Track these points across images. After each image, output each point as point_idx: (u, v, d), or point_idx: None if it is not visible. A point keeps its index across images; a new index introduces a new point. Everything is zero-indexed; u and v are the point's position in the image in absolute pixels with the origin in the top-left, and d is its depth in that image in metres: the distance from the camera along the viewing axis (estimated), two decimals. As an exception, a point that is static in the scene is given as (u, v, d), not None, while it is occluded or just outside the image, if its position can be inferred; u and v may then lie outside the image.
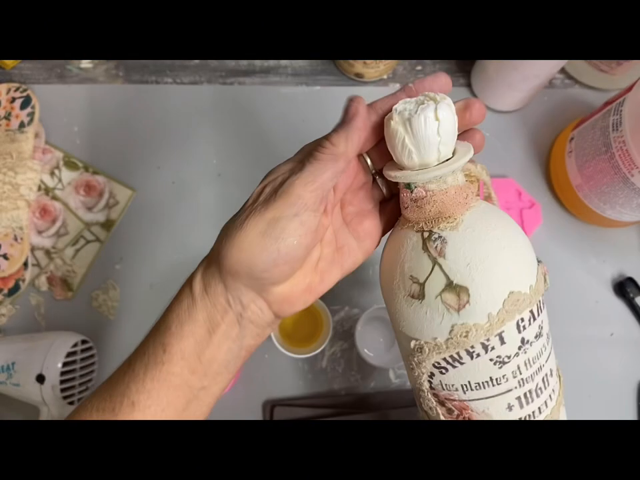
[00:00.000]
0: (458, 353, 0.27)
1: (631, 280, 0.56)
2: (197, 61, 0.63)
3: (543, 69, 0.53)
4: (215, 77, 0.62)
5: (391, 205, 0.32)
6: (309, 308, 0.52)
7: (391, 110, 0.27)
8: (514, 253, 0.28)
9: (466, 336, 0.27)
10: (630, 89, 0.47)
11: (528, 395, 0.29)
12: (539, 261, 0.30)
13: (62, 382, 0.47)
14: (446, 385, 0.29)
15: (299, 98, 0.62)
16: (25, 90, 0.59)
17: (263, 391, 0.54)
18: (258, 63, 0.63)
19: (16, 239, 0.55)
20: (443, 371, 0.28)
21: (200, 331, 0.28)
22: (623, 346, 0.55)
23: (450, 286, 0.26)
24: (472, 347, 0.27)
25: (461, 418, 0.30)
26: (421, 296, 0.27)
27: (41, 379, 0.47)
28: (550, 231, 0.58)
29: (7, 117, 0.58)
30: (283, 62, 0.63)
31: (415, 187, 0.28)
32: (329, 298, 0.54)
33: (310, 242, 0.27)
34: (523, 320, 0.27)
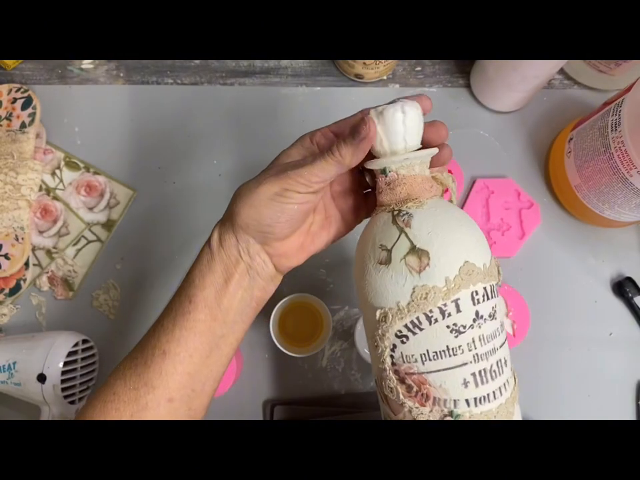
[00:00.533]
0: (418, 318, 0.30)
1: (629, 280, 0.56)
2: (197, 62, 0.63)
3: (542, 70, 0.53)
4: (215, 78, 0.63)
5: (373, 195, 0.38)
6: (309, 308, 0.53)
7: None
8: (470, 233, 0.32)
9: (425, 297, 0.30)
10: (629, 89, 0.47)
11: (483, 373, 0.31)
12: (492, 256, 0.33)
13: (63, 381, 0.48)
14: (406, 356, 0.31)
15: (299, 99, 0.62)
16: (26, 90, 0.59)
17: (263, 390, 0.54)
18: (258, 63, 0.63)
19: (17, 239, 0.56)
20: (404, 339, 0.31)
21: (219, 281, 0.34)
22: (622, 346, 0.56)
23: (413, 250, 0.30)
24: (430, 310, 0.30)
25: (419, 395, 0.31)
26: (388, 260, 0.31)
27: (42, 378, 0.47)
28: (549, 231, 0.58)
29: (8, 117, 0.58)
30: (283, 63, 0.63)
31: (389, 172, 0.33)
32: (329, 298, 0.54)
33: (307, 210, 0.34)
34: (477, 293, 0.30)
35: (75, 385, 0.49)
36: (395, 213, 0.32)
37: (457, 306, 0.30)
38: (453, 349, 0.30)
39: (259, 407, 0.54)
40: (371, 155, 0.34)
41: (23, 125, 0.58)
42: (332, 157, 0.32)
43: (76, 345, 0.49)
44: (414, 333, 0.31)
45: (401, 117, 0.31)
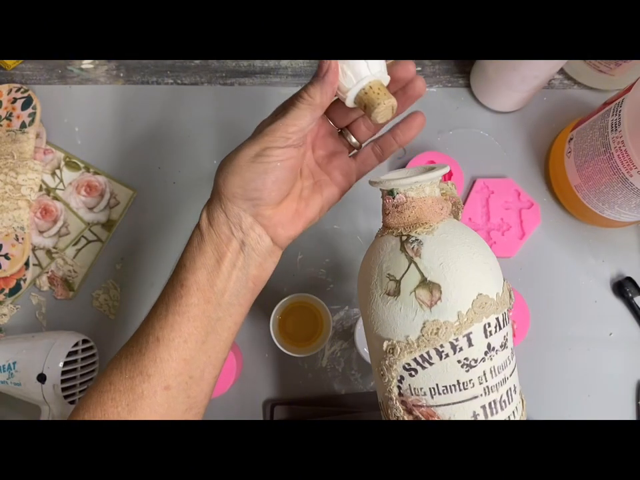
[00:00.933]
0: (428, 352, 0.29)
1: (629, 280, 0.56)
2: (197, 62, 0.63)
3: (542, 70, 0.53)
4: (215, 78, 0.63)
5: (362, 152, 0.39)
6: (309, 308, 0.53)
7: None
8: (483, 261, 0.30)
9: (436, 333, 0.28)
10: (629, 89, 0.47)
11: (493, 405, 0.30)
12: (504, 279, 0.32)
13: (63, 381, 0.48)
14: (414, 389, 0.30)
15: (299, 98, 0.62)
16: (26, 90, 0.59)
17: (263, 390, 0.54)
18: (258, 63, 0.63)
19: (17, 239, 0.56)
20: (413, 372, 0.30)
21: (210, 262, 0.33)
22: (622, 346, 0.56)
23: (424, 282, 0.29)
24: (441, 345, 0.28)
25: None
26: (396, 292, 0.29)
27: (42, 378, 0.47)
28: (549, 231, 0.58)
29: (8, 117, 0.58)
30: (283, 63, 0.63)
31: (397, 194, 0.31)
32: (329, 298, 0.54)
33: (291, 167, 0.32)
34: (489, 325, 0.29)
35: (75, 385, 0.49)
36: (404, 239, 0.30)
37: (469, 340, 0.29)
38: (463, 383, 0.29)
39: (259, 407, 0.54)
40: (343, 110, 0.35)
41: (23, 125, 0.58)
42: (301, 100, 0.32)
43: (76, 344, 0.49)
44: (423, 367, 0.29)
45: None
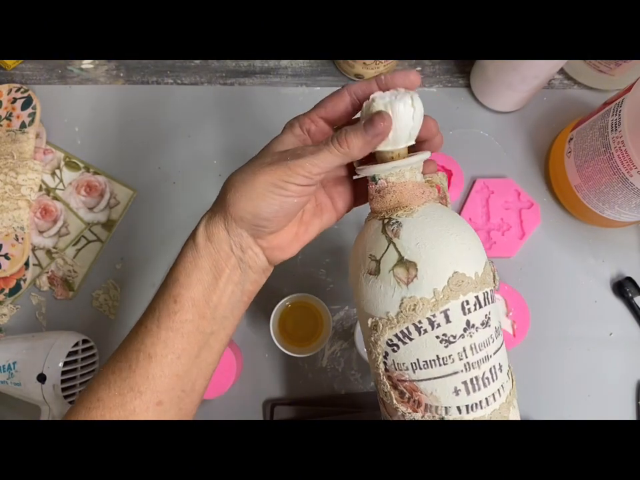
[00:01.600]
0: (407, 328, 0.30)
1: (629, 280, 0.56)
2: (197, 62, 0.63)
3: (542, 70, 0.53)
4: (215, 78, 0.63)
5: (362, 182, 0.37)
6: (309, 307, 0.53)
7: (363, 94, 0.32)
8: (460, 242, 0.31)
9: (414, 309, 0.30)
10: (629, 89, 0.47)
11: (475, 381, 0.30)
12: (491, 262, 0.33)
13: (63, 381, 0.48)
14: (398, 364, 0.31)
15: (299, 99, 0.62)
16: (26, 90, 0.59)
17: (263, 390, 0.54)
18: (258, 63, 0.63)
19: (17, 239, 0.56)
20: (395, 348, 0.31)
21: (207, 278, 0.32)
22: (622, 346, 0.56)
23: (401, 261, 0.30)
24: (419, 321, 0.30)
25: (411, 401, 0.31)
26: (376, 271, 0.31)
27: (42, 378, 0.47)
28: (549, 231, 0.58)
29: (8, 117, 0.58)
30: (283, 63, 0.63)
31: (379, 179, 0.32)
32: (329, 298, 0.54)
33: (304, 202, 0.32)
34: (467, 303, 0.30)
35: (75, 385, 0.49)
36: (385, 221, 0.32)
37: (447, 317, 0.29)
38: (443, 358, 0.30)
39: (259, 407, 0.54)
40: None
41: (22, 125, 0.58)
42: (338, 148, 0.30)
43: (76, 344, 0.49)
44: (404, 343, 0.30)
45: (411, 111, 0.30)
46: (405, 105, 0.30)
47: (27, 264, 0.56)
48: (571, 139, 0.55)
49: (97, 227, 0.58)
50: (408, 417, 0.32)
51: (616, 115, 0.47)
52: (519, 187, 0.58)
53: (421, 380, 0.31)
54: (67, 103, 0.61)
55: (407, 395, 0.31)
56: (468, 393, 0.30)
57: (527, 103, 0.60)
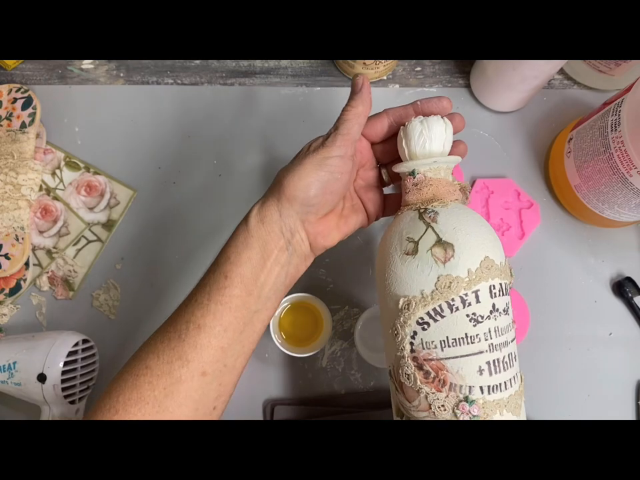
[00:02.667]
0: (440, 306, 0.33)
1: (629, 279, 0.56)
2: (197, 62, 0.63)
3: (542, 70, 0.53)
4: (215, 78, 0.63)
5: (391, 196, 0.44)
6: (309, 307, 0.53)
7: (399, 118, 0.39)
8: (489, 232, 0.35)
9: (449, 287, 0.32)
10: (629, 89, 0.47)
11: (497, 363, 0.33)
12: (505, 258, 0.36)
13: (63, 381, 0.48)
14: (426, 342, 0.33)
15: (299, 99, 0.62)
16: (26, 90, 0.59)
17: (263, 390, 0.54)
18: (258, 63, 0.63)
19: (17, 239, 0.56)
20: (425, 326, 0.33)
21: (256, 257, 0.35)
22: (622, 345, 0.56)
23: (439, 242, 0.33)
24: (452, 299, 0.32)
25: (436, 381, 0.33)
26: (414, 251, 0.34)
27: (42, 378, 0.47)
28: (549, 231, 0.58)
29: (9, 117, 0.58)
30: (283, 63, 0.63)
31: (417, 174, 0.37)
32: (329, 298, 0.54)
33: (345, 182, 0.37)
34: (494, 287, 0.33)
35: (75, 385, 0.49)
36: (422, 210, 0.35)
37: (477, 297, 0.32)
38: (471, 337, 0.32)
39: (259, 407, 0.54)
40: (391, 154, 0.40)
41: (23, 125, 0.58)
42: (346, 112, 0.37)
43: (76, 344, 0.49)
44: (435, 320, 0.33)
45: (443, 125, 0.36)
46: (438, 120, 0.36)
47: (27, 264, 0.56)
48: (571, 139, 0.55)
49: (97, 226, 0.58)
50: (431, 398, 0.33)
51: (616, 114, 0.47)
52: (519, 187, 0.58)
53: (449, 358, 0.33)
54: (67, 102, 0.61)
55: (433, 374, 0.33)
56: (490, 373, 0.32)
57: (526, 103, 0.60)
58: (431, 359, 0.33)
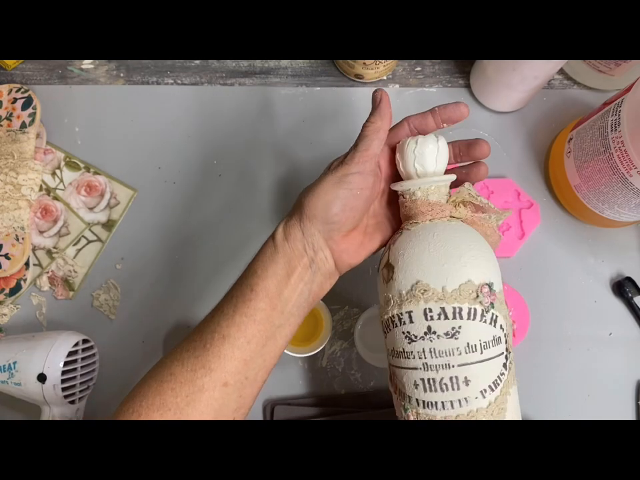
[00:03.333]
0: (387, 320, 0.36)
1: (629, 279, 0.56)
2: (197, 62, 0.63)
3: (542, 70, 0.53)
4: (215, 78, 0.63)
5: None
6: (309, 307, 0.52)
7: (420, 125, 0.40)
8: (438, 257, 0.34)
9: (387, 304, 0.35)
10: (629, 89, 0.47)
11: (431, 382, 0.34)
12: (490, 287, 0.35)
13: (63, 381, 0.48)
14: (387, 348, 0.37)
15: (299, 99, 0.62)
16: (26, 90, 0.59)
17: (263, 390, 0.54)
18: (258, 63, 0.63)
19: (17, 239, 0.56)
20: (385, 335, 0.37)
21: (281, 272, 0.36)
22: (622, 346, 0.56)
23: (387, 263, 0.36)
24: (392, 316, 0.35)
25: (393, 384, 0.37)
26: (377, 268, 0.38)
27: (42, 378, 0.47)
28: (548, 231, 0.58)
29: (9, 117, 0.58)
30: (283, 63, 0.63)
31: (400, 195, 0.39)
32: (329, 298, 0.54)
33: (366, 197, 0.37)
34: (430, 310, 0.33)
35: (75, 385, 0.49)
36: (397, 230, 0.38)
37: (410, 317, 0.34)
38: (407, 352, 0.34)
39: (258, 407, 0.54)
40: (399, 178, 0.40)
41: (23, 125, 0.58)
42: (366, 128, 0.37)
43: (76, 344, 0.49)
44: (385, 332, 0.36)
45: (435, 143, 0.37)
46: (430, 137, 0.37)
47: (27, 264, 0.56)
48: (571, 139, 0.55)
49: (97, 226, 0.58)
50: (394, 398, 0.37)
51: (616, 115, 0.47)
52: (519, 186, 0.58)
53: (395, 366, 0.36)
54: (67, 102, 0.61)
55: (391, 375, 0.37)
56: (425, 390, 0.34)
57: (526, 103, 0.60)
58: (390, 363, 0.37)
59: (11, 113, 0.58)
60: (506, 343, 0.35)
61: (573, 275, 0.57)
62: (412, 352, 0.34)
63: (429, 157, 0.37)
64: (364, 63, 0.58)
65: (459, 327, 0.33)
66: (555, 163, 0.58)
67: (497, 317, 0.34)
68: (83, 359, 0.50)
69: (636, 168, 0.45)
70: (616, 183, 0.48)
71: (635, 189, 0.47)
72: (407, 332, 0.34)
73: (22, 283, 0.56)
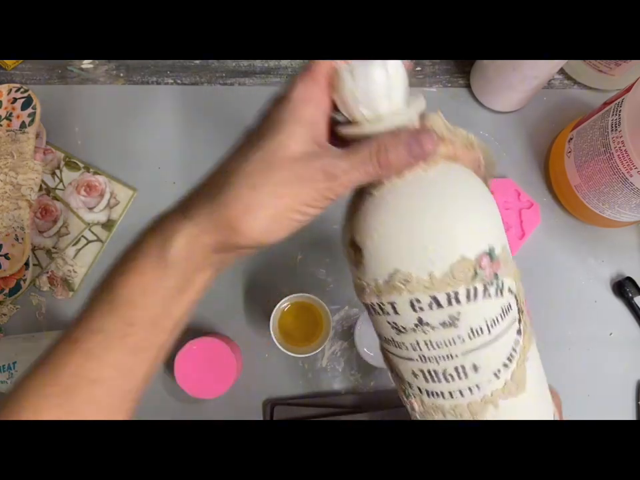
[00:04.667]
0: (364, 304, 0.29)
1: (629, 280, 0.56)
2: (197, 62, 0.63)
3: (542, 70, 0.53)
4: (215, 78, 0.63)
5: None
6: (309, 307, 0.53)
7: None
8: (422, 232, 0.26)
9: (362, 291, 0.28)
10: (629, 89, 0.47)
11: (433, 373, 0.28)
12: (491, 255, 0.28)
13: (63, 381, 0.48)
14: (374, 329, 0.31)
15: (299, 98, 0.62)
16: (26, 90, 0.59)
17: (263, 390, 0.54)
18: (258, 63, 0.63)
19: (17, 239, 0.56)
20: (371, 315, 0.30)
21: (172, 293, 0.27)
22: (622, 346, 0.56)
23: (352, 242, 0.28)
24: (371, 303, 0.28)
25: (388, 365, 0.31)
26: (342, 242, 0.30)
27: (41, 378, 0.47)
28: (549, 231, 0.58)
29: (8, 117, 0.58)
30: (283, 63, 0.63)
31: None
32: (329, 298, 0.54)
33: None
34: (419, 301, 0.26)
35: (75, 385, 0.49)
36: (358, 191, 0.29)
37: (394, 308, 0.27)
38: (397, 342, 0.28)
39: (259, 407, 0.54)
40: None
41: (22, 125, 0.58)
42: (377, 169, 0.25)
43: (76, 344, 0.49)
44: (370, 315, 0.30)
45: (383, 77, 0.28)
46: (372, 62, 0.28)
47: (26, 264, 0.56)
48: (571, 138, 0.55)
49: (97, 226, 0.58)
50: (390, 375, 0.32)
51: (616, 114, 0.47)
52: (519, 186, 0.58)
53: (387, 352, 0.31)
54: (66, 102, 0.61)
55: (385, 356, 0.32)
56: (427, 380, 0.29)
57: (526, 102, 0.60)
58: (381, 347, 0.31)
59: (11, 113, 0.58)
60: (517, 303, 0.30)
61: (573, 275, 0.57)
62: (403, 343, 0.28)
63: (377, 93, 0.27)
64: (364, 63, 0.58)
65: (457, 314, 0.27)
66: (555, 163, 0.58)
67: (503, 283, 0.29)
68: (82, 359, 0.50)
69: (636, 168, 0.45)
70: (616, 182, 0.48)
71: (635, 188, 0.47)
72: (394, 322, 0.28)
73: (22, 283, 0.56)
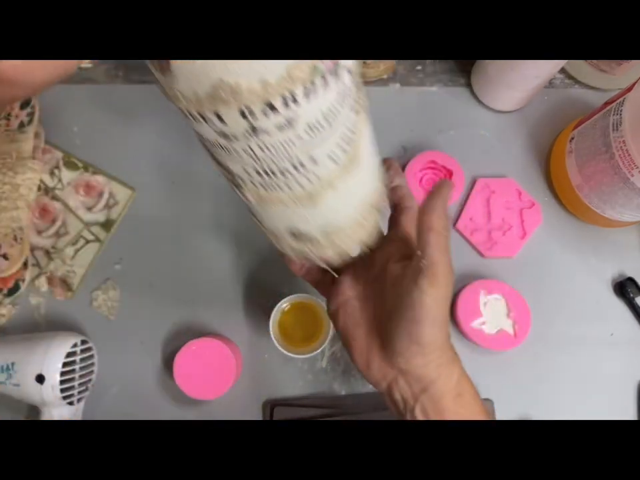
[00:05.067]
0: (183, 110, 0.28)
1: (631, 280, 0.56)
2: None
3: (543, 69, 0.53)
4: (214, 77, 0.62)
5: None
6: (309, 307, 0.52)
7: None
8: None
9: (174, 98, 0.28)
10: (630, 88, 0.47)
11: (269, 171, 0.28)
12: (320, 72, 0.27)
13: (62, 382, 0.47)
14: (197, 133, 0.29)
15: (298, 98, 0.62)
16: (24, 90, 0.59)
17: (263, 391, 0.54)
18: (258, 63, 0.63)
19: (16, 239, 0.55)
20: (187, 119, 0.29)
21: None
22: (623, 346, 0.55)
23: None
24: (189, 111, 0.27)
25: (214, 163, 0.30)
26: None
27: (40, 379, 0.47)
28: (550, 231, 0.58)
29: (7, 116, 0.58)
30: (283, 62, 0.63)
31: None
32: (329, 298, 0.54)
33: None
34: (250, 110, 0.25)
35: (73, 386, 0.49)
36: None
37: (220, 118, 0.26)
38: (226, 148, 0.28)
39: (259, 407, 0.54)
40: None
41: (21, 125, 0.57)
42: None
43: (74, 345, 0.49)
44: (187, 118, 0.29)
45: None
46: None
47: (25, 264, 0.56)
48: (572, 138, 0.55)
49: (96, 226, 0.58)
50: (215, 169, 0.31)
51: (617, 114, 0.47)
52: (520, 186, 0.58)
53: (212, 153, 0.30)
54: (65, 102, 0.61)
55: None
56: (262, 177, 0.28)
57: (527, 102, 0.60)
58: (203, 145, 0.30)
59: (10, 113, 0.58)
60: (352, 77, 0.28)
61: (574, 275, 0.57)
62: (235, 149, 0.27)
63: None
64: (364, 62, 0.58)
65: (295, 114, 0.26)
66: (556, 163, 0.58)
67: (341, 69, 0.27)
68: (81, 359, 0.50)
69: (637, 168, 0.45)
70: (617, 182, 0.48)
71: (636, 188, 0.47)
72: (220, 131, 0.26)
73: (20, 283, 0.56)
